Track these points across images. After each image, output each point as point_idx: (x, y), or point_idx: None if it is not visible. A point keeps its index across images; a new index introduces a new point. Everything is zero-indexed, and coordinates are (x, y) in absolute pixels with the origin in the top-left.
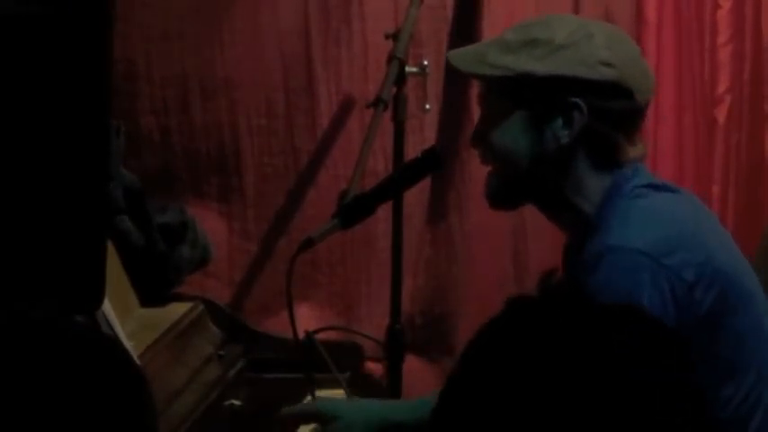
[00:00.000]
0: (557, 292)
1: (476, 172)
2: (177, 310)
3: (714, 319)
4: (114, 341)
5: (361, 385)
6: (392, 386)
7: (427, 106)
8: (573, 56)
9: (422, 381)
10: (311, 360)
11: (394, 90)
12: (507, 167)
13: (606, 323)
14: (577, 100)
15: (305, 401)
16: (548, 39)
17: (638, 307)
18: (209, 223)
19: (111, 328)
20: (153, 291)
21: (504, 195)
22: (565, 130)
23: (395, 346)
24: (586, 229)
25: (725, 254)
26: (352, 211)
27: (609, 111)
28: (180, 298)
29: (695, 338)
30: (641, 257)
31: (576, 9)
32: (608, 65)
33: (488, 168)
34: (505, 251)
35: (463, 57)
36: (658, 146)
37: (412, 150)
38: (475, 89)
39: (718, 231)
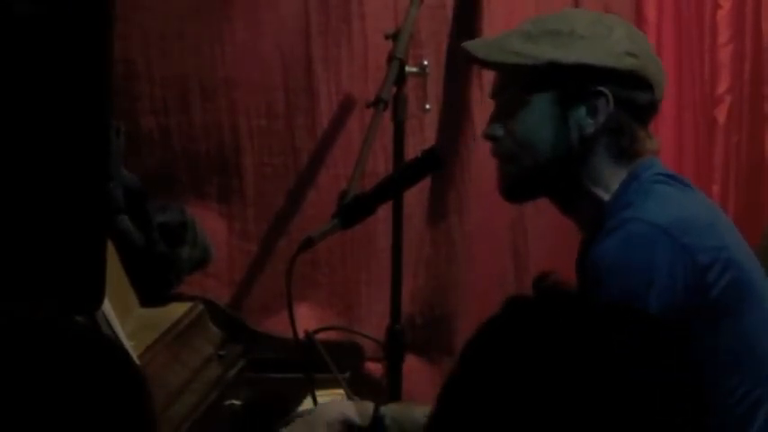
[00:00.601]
0: (555, 292)
1: (476, 172)
2: (177, 310)
3: (723, 306)
4: (114, 341)
5: (361, 385)
6: (392, 386)
7: (427, 106)
8: (597, 45)
9: (422, 381)
10: (311, 360)
11: (394, 90)
12: (527, 157)
13: (605, 323)
14: (603, 89)
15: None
16: (569, 30)
17: (638, 307)
18: (209, 223)
19: (111, 328)
20: (153, 291)
21: (521, 188)
22: (589, 119)
23: (395, 346)
24: (603, 216)
25: (738, 247)
26: (352, 211)
27: (632, 101)
28: (180, 298)
29: (702, 324)
30: (659, 232)
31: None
32: (632, 55)
33: (491, 166)
34: (505, 251)
35: (484, 47)
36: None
37: (412, 150)
38: (475, 89)
39: (730, 227)
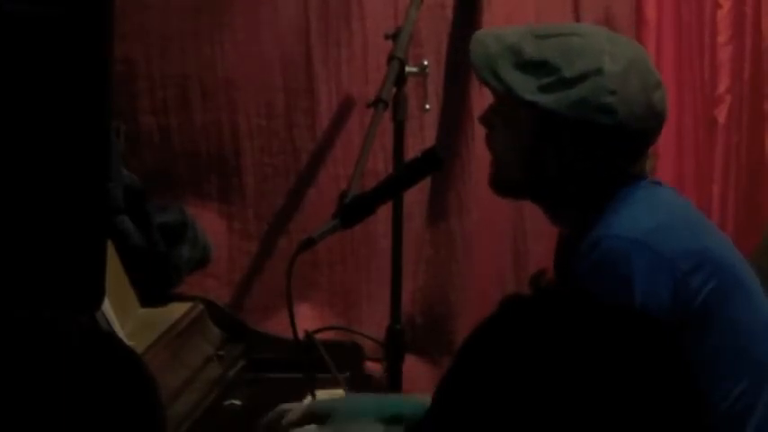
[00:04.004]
0: (551, 291)
1: (476, 172)
2: (177, 310)
3: (710, 309)
4: (122, 341)
5: (361, 385)
6: (392, 386)
7: (427, 106)
8: (577, 94)
9: (422, 381)
10: (311, 360)
11: (394, 90)
12: (502, 171)
13: (602, 321)
14: (571, 137)
15: (304, 402)
16: (558, 67)
17: (634, 305)
18: (209, 223)
19: (111, 329)
20: (153, 291)
21: (504, 188)
22: (555, 161)
23: (395, 346)
24: (582, 227)
25: (722, 248)
26: (353, 211)
27: (604, 149)
28: (180, 298)
29: (691, 329)
30: (635, 245)
31: (576, 9)
32: (609, 112)
33: (491, 160)
34: (505, 251)
35: (481, 54)
36: (659, 146)
37: (412, 150)
38: (475, 89)
39: (714, 228)
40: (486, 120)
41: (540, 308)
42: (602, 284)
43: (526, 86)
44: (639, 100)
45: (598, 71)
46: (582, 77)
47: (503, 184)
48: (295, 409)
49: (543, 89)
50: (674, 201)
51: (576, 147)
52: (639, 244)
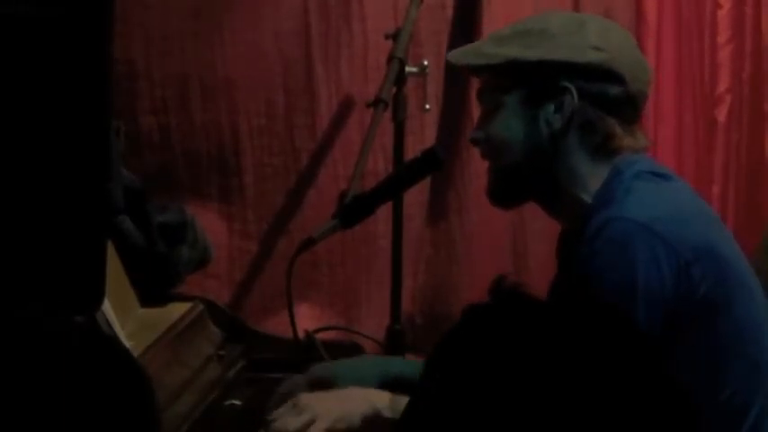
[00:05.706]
0: (510, 298)
1: (476, 172)
2: (177, 310)
3: (711, 303)
4: (116, 342)
5: None
6: None
7: (427, 106)
8: (563, 42)
9: None
10: (311, 360)
11: (394, 90)
12: (504, 158)
13: (562, 326)
14: (567, 84)
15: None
16: (539, 29)
17: (600, 305)
18: (209, 223)
19: (111, 328)
20: (153, 291)
21: (504, 191)
22: (556, 115)
23: (395, 346)
24: (585, 215)
25: (725, 244)
26: (353, 211)
27: (600, 95)
28: (180, 298)
29: (691, 322)
30: (640, 228)
31: (576, 9)
32: (597, 49)
33: (488, 167)
34: (505, 251)
35: (459, 53)
36: (658, 146)
37: (412, 150)
38: (475, 89)
39: (718, 223)
40: (477, 130)
41: (499, 316)
42: (606, 265)
43: (513, 50)
44: (625, 46)
45: (581, 24)
46: (566, 30)
47: (502, 185)
48: (297, 379)
49: (529, 47)
50: (684, 195)
51: (572, 95)
52: (646, 228)
